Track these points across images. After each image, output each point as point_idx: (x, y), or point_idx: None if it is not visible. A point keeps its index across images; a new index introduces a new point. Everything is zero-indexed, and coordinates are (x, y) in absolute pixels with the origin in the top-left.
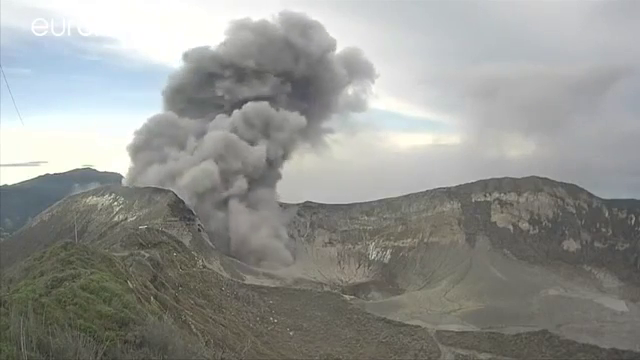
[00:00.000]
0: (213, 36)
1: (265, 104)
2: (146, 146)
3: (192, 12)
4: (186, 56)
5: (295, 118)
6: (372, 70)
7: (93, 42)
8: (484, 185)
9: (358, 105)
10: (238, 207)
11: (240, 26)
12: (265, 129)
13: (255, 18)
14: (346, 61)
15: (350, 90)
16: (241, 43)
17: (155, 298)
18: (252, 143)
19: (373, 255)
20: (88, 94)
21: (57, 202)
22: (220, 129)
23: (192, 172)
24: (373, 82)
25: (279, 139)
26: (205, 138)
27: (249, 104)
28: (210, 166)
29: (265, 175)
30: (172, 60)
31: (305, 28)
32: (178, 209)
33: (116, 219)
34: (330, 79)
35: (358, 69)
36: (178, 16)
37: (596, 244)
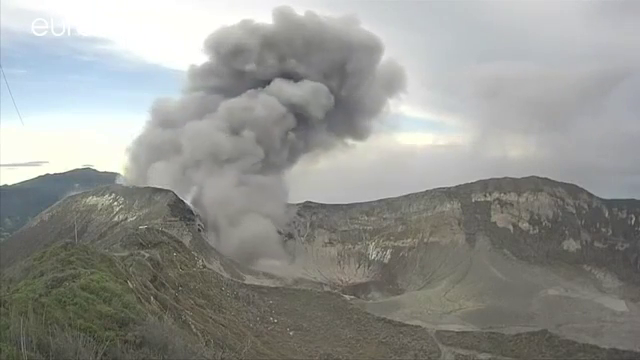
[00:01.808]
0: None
1: (322, 88)
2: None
3: (187, 13)
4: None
5: (325, 135)
6: (405, 86)
7: (88, 42)
8: (484, 185)
9: (388, 121)
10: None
11: (291, 29)
12: (300, 122)
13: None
14: (386, 80)
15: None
16: (292, 52)
17: (155, 298)
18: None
19: (373, 255)
20: (84, 94)
21: (57, 202)
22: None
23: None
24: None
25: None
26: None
27: (303, 87)
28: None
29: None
30: (166, 60)
31: (365, 53)
32: (178, 209)
33: (116, 219)
34: (366, 106)
35: (394, 87)
36: (173, 17)
37: (596, 244)
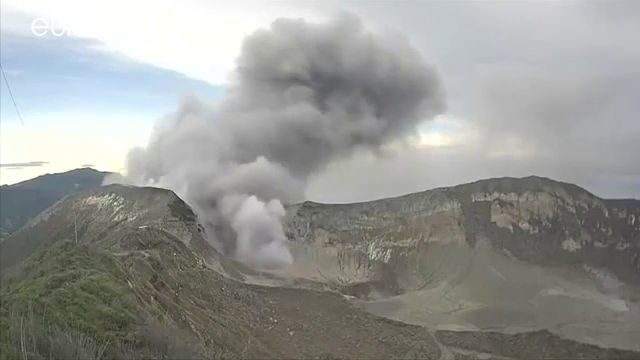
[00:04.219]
0: (202, 37)
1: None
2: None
3: (176, 12)
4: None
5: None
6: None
7: (80, 43)
8: (484, 185)
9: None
10: None
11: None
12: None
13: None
14: (426, 110)
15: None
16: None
17: (155, 298)
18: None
19: (373, 255)
20: (81, 94)
21: (57, 202)
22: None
23: None
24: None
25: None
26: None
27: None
28: None
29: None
30: (157, 60)
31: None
32: (178, 209)
33: (116, 219)
34: (398, 134)
35: (433, 105)
36: (162, 17)
37: (596, 244)
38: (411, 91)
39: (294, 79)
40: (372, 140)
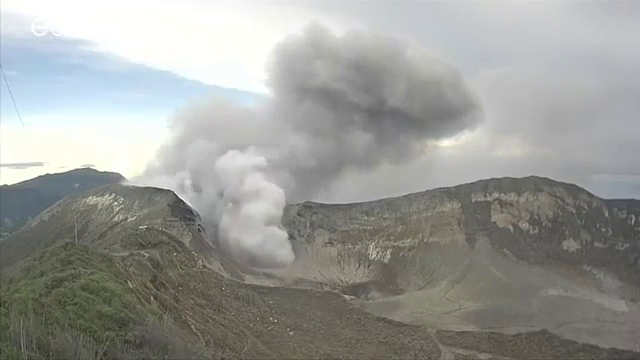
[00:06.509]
0: (195, 37)
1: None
2: None
3: (176, 13)
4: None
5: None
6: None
7: (73, 44)
8: (484, 185)
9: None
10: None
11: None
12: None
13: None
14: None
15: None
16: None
17: (155, 298)
18: None
19: (373, 255)
20: (77, 95)
21: (57, 202)
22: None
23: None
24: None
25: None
26: None
27: None
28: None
29: None
30: (149, 61)
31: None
32: (178, 209)
33: (116, 219)
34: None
35: (467, 125)
36: (153, 17)
37: (596, 244)
38: (451, 115)
39: (337, 99)
40: (399, 157)
